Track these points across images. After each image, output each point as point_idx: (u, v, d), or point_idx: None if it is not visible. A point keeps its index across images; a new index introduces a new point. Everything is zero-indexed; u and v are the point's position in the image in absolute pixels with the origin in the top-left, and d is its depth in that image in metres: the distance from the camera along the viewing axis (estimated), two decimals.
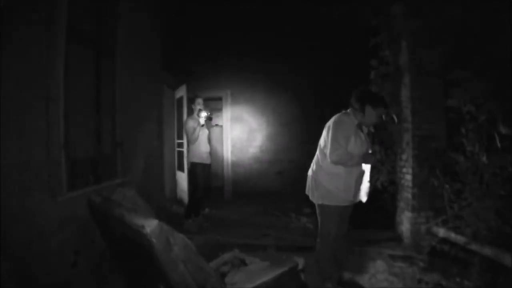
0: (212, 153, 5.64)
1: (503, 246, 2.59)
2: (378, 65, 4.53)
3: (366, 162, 2.75)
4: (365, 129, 2.93)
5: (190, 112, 5.26)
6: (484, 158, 2.80)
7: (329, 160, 2.71)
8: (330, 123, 2.80)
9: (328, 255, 2.86)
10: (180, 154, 6.30)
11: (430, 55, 3.88)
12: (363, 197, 2.91)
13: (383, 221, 4.53)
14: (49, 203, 2.45)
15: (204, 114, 4.82)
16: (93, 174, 3.18)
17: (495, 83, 3.19)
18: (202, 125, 4.87)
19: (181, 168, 6.24)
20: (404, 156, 4.12)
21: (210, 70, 7.08)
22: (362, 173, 2.81)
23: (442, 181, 3.15)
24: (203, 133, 4.92)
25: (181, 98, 6.15)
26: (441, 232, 3.30)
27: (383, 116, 2.88)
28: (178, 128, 6.34)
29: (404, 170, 4.11)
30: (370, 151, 2.87)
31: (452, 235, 3.08)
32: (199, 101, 5.04)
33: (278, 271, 2.00)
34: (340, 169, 2.72)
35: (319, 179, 2.80)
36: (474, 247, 2.78)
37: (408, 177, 4.00)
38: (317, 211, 2.86)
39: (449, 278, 2.82)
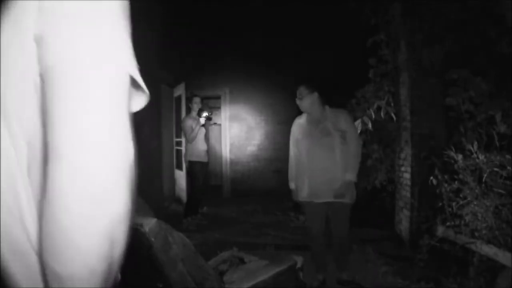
0: (210, 151, 5.64)
1: (502, 245, 2.59)
2: (377, 64, 4.54)
3: None
4: (330, 119, 2.82)
5: (189, 110, 5.25)
6: (482, 157, 2.79)
7: None
8: None
9: (314, 251, 2.96)
10: (179, 152, 6.30)
11: (429, 54, 3.87)
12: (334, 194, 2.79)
13: (382, 220, 4.53)
14: None
15: (205, 114, 4.83)
16: None
17: (494, 82, 3.19)
18: (203, 125, 4.88)
19: (179, 167, 6.24)
20: (402, 155, 4.12)
21: (209, 68, 7.08)
22: (318, 168, 2.77)
23: (441, 180, 3.15)
24: (201, 132, 4.93)
25: (179, 97, 6.14)
26: (440, 231, 3.30)
27: (299, 96, 2.90)
28: (177, 127, 6.33)
29: (403, 168, 4.11)
30: (338, 140, 2.75)
31: (452, 234, 3.07)
32: (197, 100, 5.04)
33: (276, 270, 2.00)
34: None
35: None
36: (473, 246, 2.79)
37: (407, 175, 4.00)
38: None
39: (448, 277, 2.82)
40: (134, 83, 0.46)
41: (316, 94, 2.85)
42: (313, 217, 2.89)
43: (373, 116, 4.03)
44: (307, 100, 2.84)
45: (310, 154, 2.82)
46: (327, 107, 2.90)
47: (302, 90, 2.88)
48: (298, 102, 2.91)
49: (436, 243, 3.18)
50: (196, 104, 5.02)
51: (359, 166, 2.82)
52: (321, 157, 2.76)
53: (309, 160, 2.82)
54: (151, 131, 4.91)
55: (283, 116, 7.02)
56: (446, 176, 3.10)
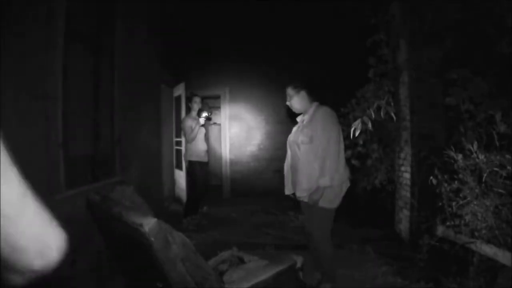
0: (210, 151, 5.64)
1: (502, 245, 2.59)
2: (376, 63, 4.53)
3: None
4: (306, 118, 2.83)
5: (189, 110, 5.26)
6: (482, 157, 2.79)
7: None
8: None
9: (309, 249, 2.97)
10: (178, 152, 6.30)
11: (429, 53, 3.87)
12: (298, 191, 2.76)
13: (382, 220, 4.53)
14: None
15: (204, 114, 4.83)
16: (91, 173, 3.17)
17: (494, 82, 3.19)
18: (202, 125, 4.88)
19: (179, 167, 6.24)
20: (402, 155, 4.12)
21: (209, 68, 7.08)
22: (292, 166, 2.85)
23: (440, 179, 3.14)
24: (201, 132, 4.93)
25: (179, 97, 6.14)
26: (440, 231, 3.30)
27: (288, 97, 2.88)
28: (176, 127, 6.34)
29: (403, 168, 4.11)
30: (302, 139, 2.70)
31: (451, 234, 3.08)
32: (196, 99, 5.04)
33: (276, 269, 2.00)
34: None
35: None
36: (473, 246, 2.79)
37: (407, 175, 4.00)
38: None
39: (448, 277, 2.82)
40: None
41: (303, 93, 2.82)
42: (304, 214, 2.94)
43: (373, 116, 4.02)
44: (296, 100, 2.83)
45: (289, 151, 2.94)
46: (314, 104, 2.84)
47: (289, 91, 2.86)
48: (288, 104, 2.90)
49: (436, 243, 3.18)
50: (196, 103, 5.02)
51: (331, 169, 2.53)
52: (291, 155, 2.87)
53: (290, 158, 2.94)
54: (151, 131, 4.91)
55: (283, 115, 7.02)
56: (446, 176, 3.10)
